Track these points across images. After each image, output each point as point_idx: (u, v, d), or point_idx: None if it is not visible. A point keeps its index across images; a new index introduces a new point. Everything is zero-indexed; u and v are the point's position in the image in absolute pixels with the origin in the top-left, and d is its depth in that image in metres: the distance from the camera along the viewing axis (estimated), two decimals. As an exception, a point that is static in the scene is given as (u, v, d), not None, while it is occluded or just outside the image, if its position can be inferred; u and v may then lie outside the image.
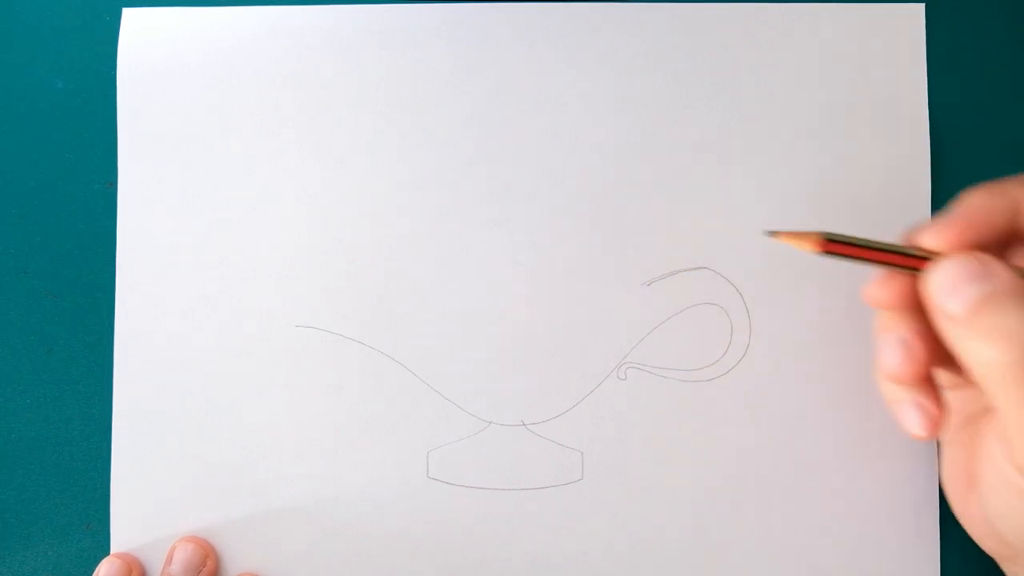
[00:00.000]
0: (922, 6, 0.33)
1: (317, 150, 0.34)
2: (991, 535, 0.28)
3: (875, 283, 0.26)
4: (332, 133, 0.34)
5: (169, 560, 0.32)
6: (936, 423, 0.26)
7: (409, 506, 0.32)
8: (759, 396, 0.32)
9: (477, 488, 0.32)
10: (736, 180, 0.33)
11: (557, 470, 0.32)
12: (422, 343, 0.33)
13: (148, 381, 0.33)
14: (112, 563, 0.32)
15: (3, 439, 0.33)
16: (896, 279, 0.26)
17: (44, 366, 0.34)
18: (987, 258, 0.23)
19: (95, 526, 0.33)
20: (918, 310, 0.26)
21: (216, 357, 0.33)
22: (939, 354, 0.26)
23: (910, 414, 0.26)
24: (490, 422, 0.33)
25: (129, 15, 0.34)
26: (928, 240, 0.25)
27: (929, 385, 0.27)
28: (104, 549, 0.33)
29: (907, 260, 0.25)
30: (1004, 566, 0.29)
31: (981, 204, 0.25)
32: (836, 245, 0.25)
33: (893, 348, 0.26)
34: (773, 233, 0.27)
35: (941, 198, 0.33)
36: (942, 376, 0.28)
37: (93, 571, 0.32)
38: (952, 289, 0.23)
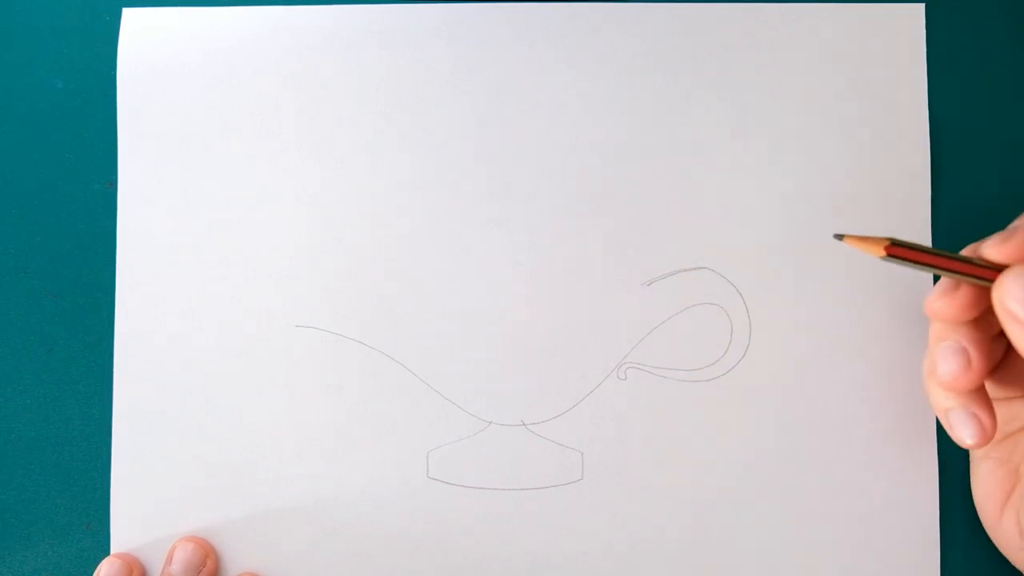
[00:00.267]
0: (922, 6, 0.33)
1: (317, 150, 0.34)
2: None
3: (938, 295, 0.27)
4: (332, 133, 0.34)
5: (169, 560, 0.32)
6: (988, 433, 0.27)
7: (409, 506, 0.32)
8: (759, 396, 0.32)
9: (477, 488, 0.32)
10: (736, 180, 0.33)
11: (557, 470, 0.32)
12: (422, 343, 0.33)
13: (148, 381, 0.33)
14: (112, 563, 0.32)
15: (3, 439, 0.33)
16: (959, 290, 0.26)
17: (44, 366, 0.34)
18: None
19: (95, 526, 0.33)
20: (975, 321, 0.26)
21: (216, 357, 0.33)
22: (991, 366, 0.27)
23: (963, 423, 0.27)
24: (490, 422, 0.33)
25: (129, 15, 0.34)
26: (991, 253, 0.25)
27: (983, 395, 0.27)
28: (104, 549, 0.33)
29: (973, 269, 0.25)
30: None
31: None
32: (902, 250, 0.26)
33: (952, 357, 0.27)
34: (840, 236, 0.27)
35: (941, 198, 0.33)
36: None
37: (93, 571, 0.32)
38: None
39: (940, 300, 0.26)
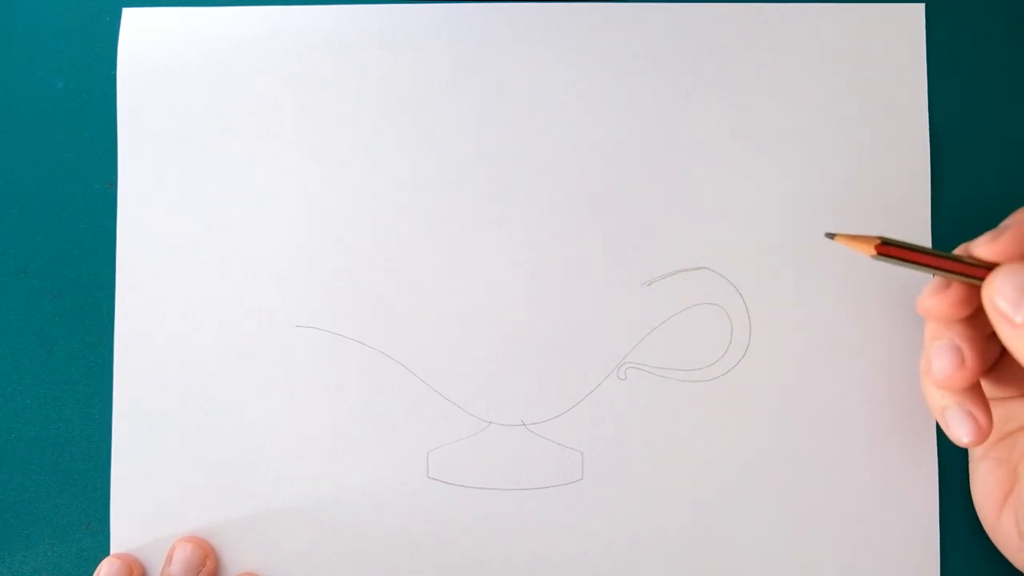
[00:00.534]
0: (922, 6, 0.33)
1: (317, 150, 0.33)
2: None
3: (929, 293, 0.27)
4: (332, 133, 0.34)
5: (169, 560, 0.32)
6: (984, 431, 0.27)
7: (409, 506, 0.32)
8: (759, 396, 0.32)
9: (477, 488, 0.32)
10: (736, 180, 0.33)
11: (557, 470, 0.32)
12: (422, 343, 0.33)
13: (148, 381, 0.33)
14: (112, 563, 0.32)
15: (3, 439, 0.33)
16: (950, 289, 0.26)
17: (44, 366, 0.34)
18: None
19: (95, 526, 0.33)
20: (969, 319, 0.27)
21: (216, 357, 0.33)
22: (986, 365, 0.27)
23: (958, 421, 0.27)
24: (490, 422, 0.33)
25: (129, 15, 0.34)
26: (981, 251, 0.25)
27: (978, 394, 0.27)
28: (104, 549, 0.33)
29: (964, 268, 0.25)
30: None
31: None
32: (892, 249, 0.26)
33: (947, 355, 0.27)
34: (831, 235, 0.28)
35: (941, 198, 0.33)
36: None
37: (93, 571, 0.32)
38: (1017, 298, 0.24)
39: (931, 298, 0.26)
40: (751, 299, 0.33)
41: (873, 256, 0.26)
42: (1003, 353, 0.29)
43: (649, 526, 0.32)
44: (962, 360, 0.26)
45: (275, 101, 0.34)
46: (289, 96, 0.34)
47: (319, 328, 0.33)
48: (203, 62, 0.34)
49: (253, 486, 0.33)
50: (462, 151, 0.33)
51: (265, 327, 0.33)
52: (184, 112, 0.34)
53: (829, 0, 0.34)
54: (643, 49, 0.34)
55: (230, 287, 0.33)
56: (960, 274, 0.26)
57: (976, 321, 0.27)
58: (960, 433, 0.27)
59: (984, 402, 0.27)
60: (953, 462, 0.32)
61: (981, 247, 0.25)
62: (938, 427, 0.32)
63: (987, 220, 0.29)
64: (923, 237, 0.33)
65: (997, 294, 0.24)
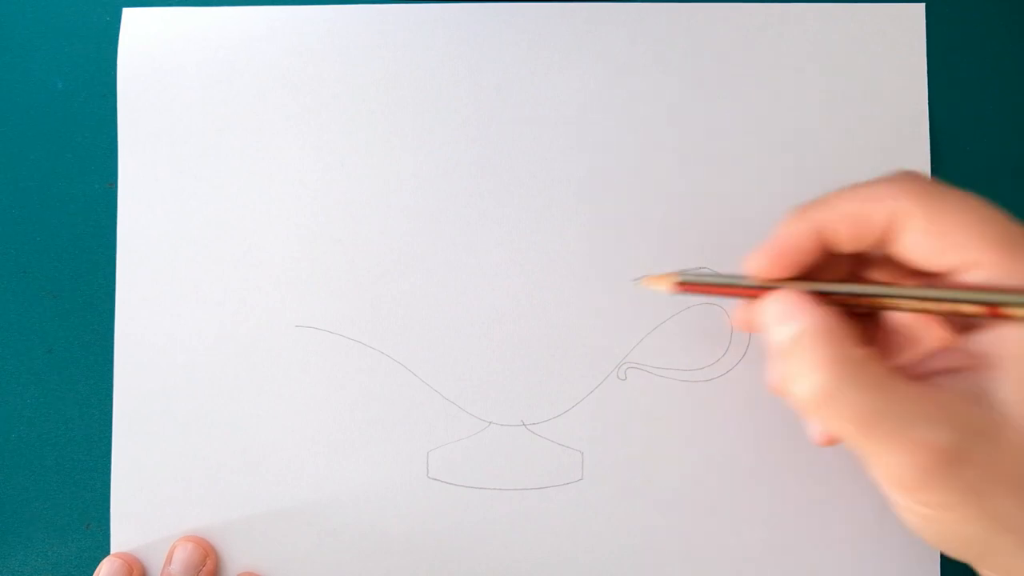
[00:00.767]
0: (922, 6, 0.33)
1: (317, 150, 0.34)
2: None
3: (734, 313, 0.29)
4: (332, 133, 0.34)
5: (169, 560, 0.32)
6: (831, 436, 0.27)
7: (409, 506, 0.32)
8: (759, 396, 0.32)
9: (477, 488, 0.32)
10: (736, 179, 0.33)
11: (557, 470, 0.32)
12: (422, 343, 0.33)
13: (148, 381, 0.33)
14: (113, 563, 0.32)
15: (3, 439, 0.33)
16: (749, 308, 0.27)
17: (44, 366, 0.34)
18: (794, 298, 0.24)
19: (95, 526, 0.33)
20: None
21: (216, 357, 0.33)
22: None
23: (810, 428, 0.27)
24: (490, 422, 0.33)
25: (129, 15, 0.34)
26: (750, 270, 0.26)
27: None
28: (104, 549, 0.33)
29: (750, 292, 0.26)
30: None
31: (787, 232, 0.25)
32: (689, 285, 0.27)
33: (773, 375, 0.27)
34: (637, 280, 0.29)
35: (941, 198, 0.33)
36: None
37: (93, 571, 0.32)
38: (770, 329, 0.25)
39: (735, 317, 0.28)
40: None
41: (677, 293, 0.27)
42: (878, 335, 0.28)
43: (649, 526, 0.32)
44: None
45: (275, 101, 0.34)
46: (289, 96, 0.34)
47: (319, 328, 0.33)
48: (203, 62, 0.34)
49: (253, 486, 0.33)
50: (462, 151, 0.33)
51: (265, 327, 0.33)
52: (184, 112, 0.34)
53: (829, 0, 0.34)
54: (643, 49, 0.34)
55: (230, 287, 0.33)
56: (751, 298, 0.26)
57: None
58: (811, 432, 0.27)
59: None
60: (953, 462, 0.32)
61: (749, 265, 0.26)
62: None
63: (987, 220, 0.28)
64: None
65: (761, 324, 0.25)
